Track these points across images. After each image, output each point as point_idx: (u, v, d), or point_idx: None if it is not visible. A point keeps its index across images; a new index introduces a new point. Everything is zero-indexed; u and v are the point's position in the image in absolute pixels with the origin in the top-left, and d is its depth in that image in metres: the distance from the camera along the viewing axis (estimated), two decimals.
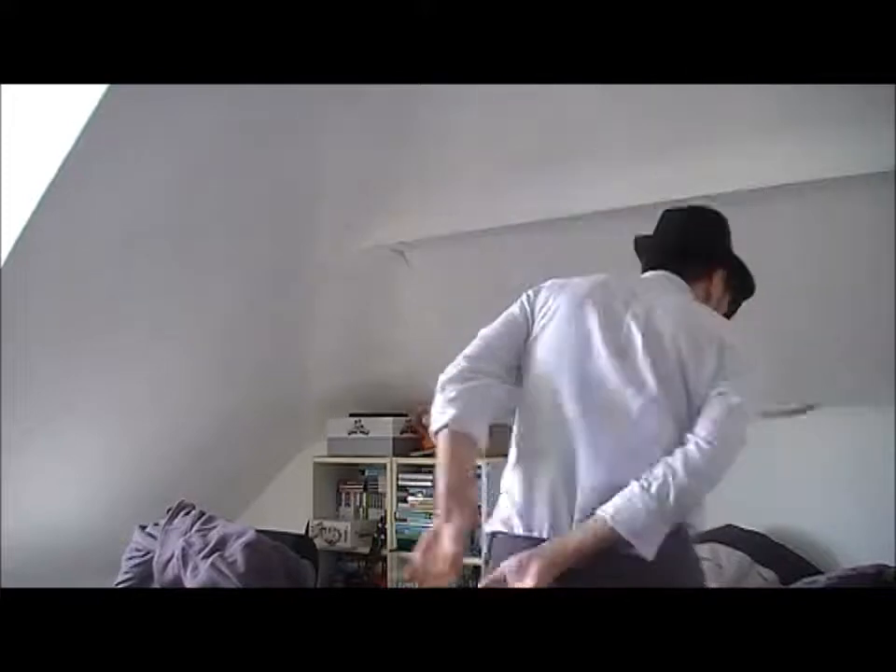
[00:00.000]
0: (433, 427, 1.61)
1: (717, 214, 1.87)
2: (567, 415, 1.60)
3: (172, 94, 2.04)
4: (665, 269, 1.77)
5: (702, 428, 1.53)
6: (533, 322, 1.70)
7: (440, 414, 1.59)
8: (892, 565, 2.37)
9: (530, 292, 1.75)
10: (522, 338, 1.70)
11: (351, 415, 3.75)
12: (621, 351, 1.62)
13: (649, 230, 1.93)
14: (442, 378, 1.64)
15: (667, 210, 1.91)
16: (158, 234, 2.57)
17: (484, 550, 1.73)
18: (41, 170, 2.20)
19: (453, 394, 1.60)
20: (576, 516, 1.53)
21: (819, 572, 2.63)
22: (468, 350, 1.68)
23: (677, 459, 1.50)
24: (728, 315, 1.86)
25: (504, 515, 1.61)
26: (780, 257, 2.58)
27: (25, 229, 2.26)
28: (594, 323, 1.66)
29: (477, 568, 3.31)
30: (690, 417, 1.57)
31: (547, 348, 1.66)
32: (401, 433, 3.65)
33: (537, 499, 1.57)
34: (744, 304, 2.66)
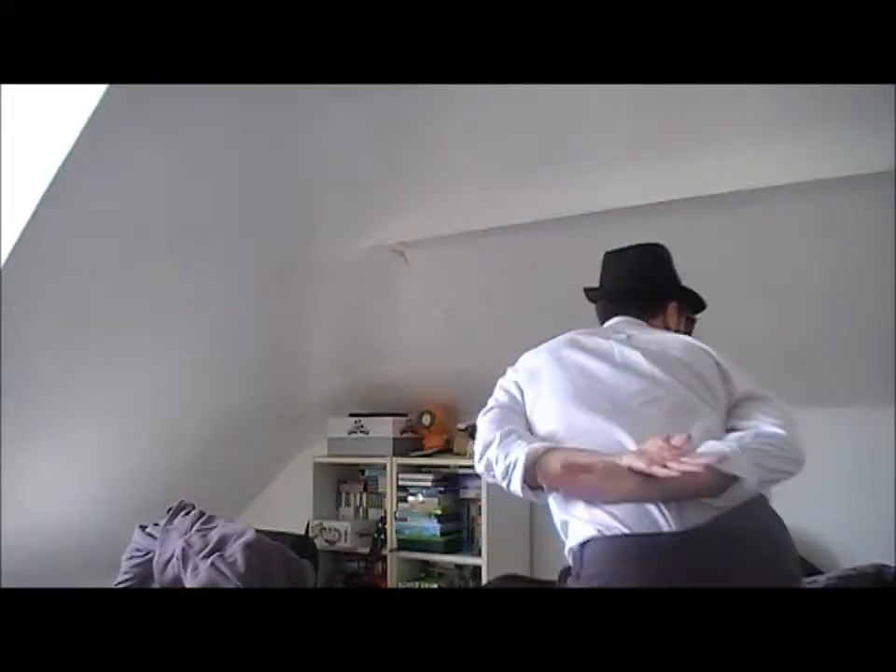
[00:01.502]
0: (518, 484, 1.55)
1: (658, 246, 1.92)
2: (598, 426, 1.58)
3: (172, 94, 2.04)
4: (623, 314, 1.83)
5: (764, 420, 1.60)
6: (523, 394, 1.72)
7: (515, 473, 1.55)
8: (892, 565, 2.37)
9: (508, 373, 1.77)
10: (521, 408, 1.71)
11: (351, 415, 3.75)
12: (624, 367, 1.65)
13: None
14: (480, 453, 1.63)
15: (608, 253, 1.94)
16: (158, 234, 2.57)
17: (572, 562, 1.60)
18: (41, 170, 2.19)
19: (500, 445, 1.59)
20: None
21: (819, 572, 2.62)
22: (483, 433, 1.67)
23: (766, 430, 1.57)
24: (688, 334, 1.91)
25: (594, 521, 1.54)
26: (780, 257, 2.58)
27: (25, 229, 2.26)
28: (583, 358, 1.69)
29: (477, 569, 3.31)
30: (715, 400, 1.62)
31: (549, 399, 1.67)
32: (401, 433, 3.65)
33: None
34: (744, 305, 2.67)
